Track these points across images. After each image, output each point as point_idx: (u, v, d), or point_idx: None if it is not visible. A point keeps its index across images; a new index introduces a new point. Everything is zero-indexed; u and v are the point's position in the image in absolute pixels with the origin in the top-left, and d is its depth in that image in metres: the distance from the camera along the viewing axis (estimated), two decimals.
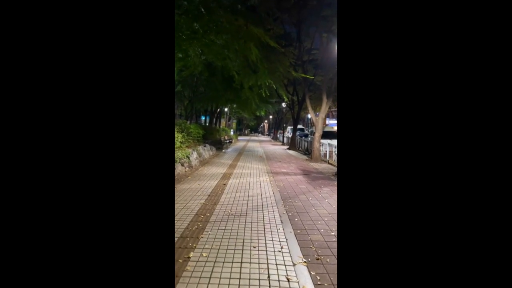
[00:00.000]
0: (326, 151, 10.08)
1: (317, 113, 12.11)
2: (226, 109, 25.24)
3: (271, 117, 36.19)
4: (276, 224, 3.30)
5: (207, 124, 18.70)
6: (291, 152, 14.08)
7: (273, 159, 10.30)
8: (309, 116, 37.85)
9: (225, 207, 3.88)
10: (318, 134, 10.04)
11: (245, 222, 3.31)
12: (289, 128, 25.84)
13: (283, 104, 19.77)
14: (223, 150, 13.38)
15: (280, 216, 3.62)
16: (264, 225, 3.22)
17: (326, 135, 11.64)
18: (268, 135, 43.60)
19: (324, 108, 9.83)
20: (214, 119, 20.14)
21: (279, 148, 16.35)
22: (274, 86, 8.13)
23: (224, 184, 5.42)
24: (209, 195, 4.54)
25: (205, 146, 10.25)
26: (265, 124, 49.41)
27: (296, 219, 3.53)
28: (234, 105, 19.30)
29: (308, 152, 13.52)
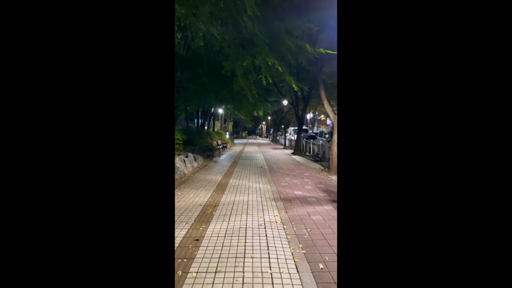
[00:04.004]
0: None
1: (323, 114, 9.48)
2: (220, 111, 22.74)
3: (269, 118, 33.70)
4: None
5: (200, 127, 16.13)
6: (297, 158, 11.51)
7: (278, 171, 7.73)
8: (308, 116, 35.22)
9: None
10: (337, 136, 7.48)
11: None
12: (290, 129, 23.23)
13: (284, 103, 17.21)
14: (214, 159, 10.79)
15: None
16: None
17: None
18: (267, 137, 41.22)
19: None
20: (206, 122, 17.64)
21: (281, 153, 13.77)
22: (280, 68, 5.56)
23: (197, 240, 2.83)
24: None
25: (186, 157, 7.66)
26: (263, 125, 46.91)
27: None
28: (229, 106, 16.84)
29: (319, 158, 10.97)
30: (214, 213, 3.74)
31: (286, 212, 3.81)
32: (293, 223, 3.39)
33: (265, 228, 3.18)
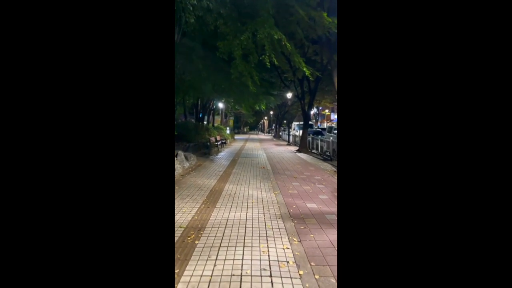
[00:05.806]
0: None
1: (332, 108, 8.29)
2: (221, 105, 21.54)
3: (271, 112, 32.45)
4: None
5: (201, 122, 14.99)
6: (303, 156, 10.36)
7: (284, 173, 6.59)
8: (311, 111, 33.85)
9: None
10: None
11: None
12: (294, 124, 22.01)
13: (288, 96, 16.01)
14: (211, 157, 9.66)
15: None
16: None
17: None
18: (268, 132, 40.08)
19: None
20: (205, 116, 16.51)
21: (285, 150, 12.62)
22: (288, 45, 4.38)
23: None
24: None
25: (176, 156, 6.54)
26: (265, 120, 45.61)
27: None
28: (229, 99, 15.67)
29: (328, 156, 9.82)
30: (197, 242, 2.61)
31: (300, 241, 2.68)
32: (312, 263, 2.25)
33: (271, 276, 2.05)
